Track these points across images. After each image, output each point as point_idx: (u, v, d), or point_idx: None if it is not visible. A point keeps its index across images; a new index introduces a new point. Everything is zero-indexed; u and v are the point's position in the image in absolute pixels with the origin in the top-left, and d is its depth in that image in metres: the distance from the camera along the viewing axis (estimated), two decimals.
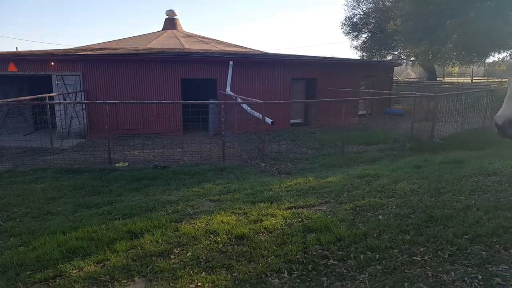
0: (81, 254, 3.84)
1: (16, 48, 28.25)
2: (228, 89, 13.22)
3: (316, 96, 16.19)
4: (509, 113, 2.32)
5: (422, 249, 3.73)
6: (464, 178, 5.98)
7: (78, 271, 3.51)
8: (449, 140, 11.20)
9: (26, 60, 14.98)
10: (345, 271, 3.38)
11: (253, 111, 9.47)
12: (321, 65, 17.20)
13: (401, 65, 34.49)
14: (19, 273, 3.54)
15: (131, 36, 23.56)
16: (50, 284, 3.36)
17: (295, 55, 21.59)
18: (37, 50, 18.43)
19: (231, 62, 14.47)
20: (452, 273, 3.29)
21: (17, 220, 5.19)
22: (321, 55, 19.53)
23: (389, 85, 21.13)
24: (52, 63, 14.70)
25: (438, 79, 34.53)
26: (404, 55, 31.63)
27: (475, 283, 3.12)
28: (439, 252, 3.66)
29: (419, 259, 3.55)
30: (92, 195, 6.64)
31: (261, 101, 9.34)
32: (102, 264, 3.63)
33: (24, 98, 12.24)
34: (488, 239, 3.84)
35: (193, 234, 4.16)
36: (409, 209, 4.73)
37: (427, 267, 3.40)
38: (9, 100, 11.51)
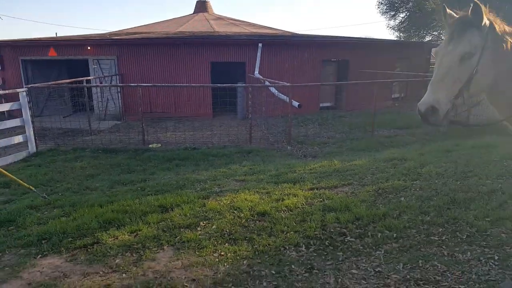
0: (116, 225, 4.18)
1: (56, 33, 29.42)
2: (256, 72, 13.30)
3: (348, 79, 15.87)
4: (431, 100, 2.14)
5: (440, 229, 3.79)
6: (493, 162, 5.87)
7: (114, 239, 3.85)
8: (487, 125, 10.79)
9: (64, 45, 15.69)
10: (361, 247, 3.52)
11: (281, 94, 9.55)
12: (353, 46, 16.74)
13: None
14: (62, 239, 3.93)
15: (163, 19, 23.97)
16: (89, 249, 3.73)
17: (325, 35, 21.20)
18: (75, 35, 19.23)
19: (260, 44, 14.47)
20: (469, 253, 3.35)
21: (60, 194, 5.64)
22: (356, 36, 18.92)
23: (425, 67, 20.40)
24: (89, 48, 15.31)
25: None
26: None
27: (491, 263, 3.18)
28: (458, 233, 3.71)
29: (437, 239, 3.62)
30: (127, 173, 7.06)
31: (288, 84, 9.40)
32: (135, 234, 3.96)
33: (63, 81, 12.96)
34: (510, 222, 3.82)
35: (218, 210, 4.41)
36: (432, 191, 4.75)
37: (443, 247, 3.48)
38: (50, 83, 12.22)
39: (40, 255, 3.66)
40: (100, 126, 12.34)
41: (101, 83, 14.74)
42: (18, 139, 8.50)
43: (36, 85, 11.23)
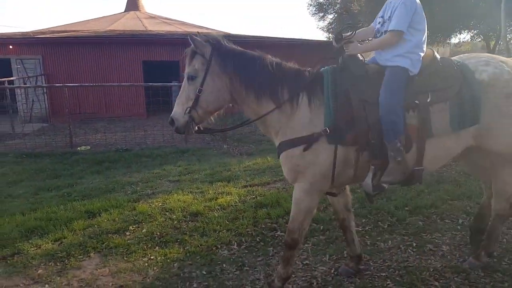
0: (39, 233, 3.94)
1: None
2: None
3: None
4: (172, 114, 2.53)
5: (364, 220, 4.04)
6: None
7: (36, 249, 3.62)
8: None
9: None
10: None
11: None
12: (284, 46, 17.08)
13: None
14: None
15: (93, 18, 22.70)
16: (8, 261, 3.46)
17: (260, 36, 21.49)
18: None
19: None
20: (390, 241, 3.59)
21: None
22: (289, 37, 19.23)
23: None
24: (11, 47, 14.10)
25: None
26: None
27: (409, 250, 3.42)
28: (380, 222, 3.97)
29: (360, 229, 3.84)
30: (53, 178, 6.63)
31: None
32: (59, 242, 3.75)
33: None
34: (426, 210, 4.17)
35: (149, 213, 4.33)
36: (356, 184, 5.04)
37: (366, 236, 3.70)
38: None
39: None
40: (25, 129, 11.42)
41: (25, 83, 13.63)
42: None
43: None
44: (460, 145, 2.58)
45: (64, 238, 3.80)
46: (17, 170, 7.07)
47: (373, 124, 2.41)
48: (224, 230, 3.87)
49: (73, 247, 3.62)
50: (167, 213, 4.32)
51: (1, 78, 12.08)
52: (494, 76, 2.52)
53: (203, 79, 2.46)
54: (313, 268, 3.21)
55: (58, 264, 3.39)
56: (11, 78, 12.99)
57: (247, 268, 3.24)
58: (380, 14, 2.64)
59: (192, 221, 4.12)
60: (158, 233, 3.85)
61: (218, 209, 4.43)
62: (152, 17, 22.61)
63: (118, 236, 3.83)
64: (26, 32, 17.75)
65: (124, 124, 11.86)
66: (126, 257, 3.44)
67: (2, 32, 20.77)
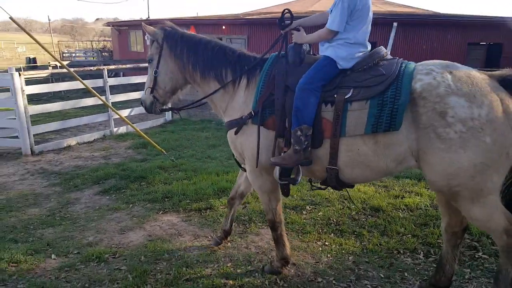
0: (228, 194, 4.34)
1: (197, 13, 31.99)
2: (388, 53, 12.23)
3: (500, 66, 13.52)
4: (141, 95, 2.95)
5: None
6: None
7: (224, 208, 4.00)
8: None
9: (202, 24, 16.94)
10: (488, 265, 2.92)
11: None
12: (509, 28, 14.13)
13: None
14: (181, 200, 4.26)
15: None
16: (202, 213, 3.97)
17: (473, 15, 18.31)
18: (212, 15, 20.60)
19: (394, 24, 13.24)
20: None
21: (185, 159, 6.14)
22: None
23: None
24: (223, 27, 16.24)
25: None
26: None
27: None
28: None
29: None
30: None
31: None
32: (243, 206, 4.04)
33: None
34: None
35: (326, 196, 4.20)
36: None
37: None
38: None
39: (161, 211, 4.04)
40: None
41: None
42: None
43: None
44: (382, 158, 2.18)
45: (248, 203, 4.09)
46: (217, 135, 8.09)
47: (289, 111, 2.36)
48: (410, 235, 3.39)
49: (255, 214, 3.85)
50: (345, 201, 4.10)
51: None
52: (428, 87, 2.05)
53: (157, 62, 2.79)
54: None
55: (240, 226, 3.66)
56: None
57: None
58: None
59: (372, 216, 3.79)
60: (335, 220, 3.69)
61: (403, 209, 3.94)
62: None
63: (295, 212, 3.86)
64: (237, 14, 20.14)
65: None
66: (301, 236, 3.42)
67: (217, 14, 24.17)
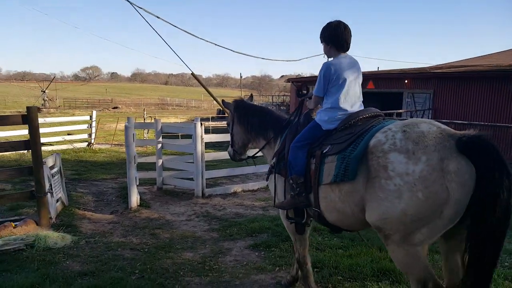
0: (390, 279, 3.49)
1: (378, 68, 31.63)
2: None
3: None
4: (228, 149, 3.95)
5: None
6: None
7: None
8: None
9: (382, 78, 16.31)
10: None
11: None
12: None
13: None
14: (332, 274, 3.64)
15: (492, 52, 20.71)
16: None
17: None
18: (393, 70, 19.73)
19: None
20: None
21: None
22: None
23: None
24: (406, 81, 15.22)
25: None
26: None
27: None
28: None
29: None
30: None
31: None
32: None
33: None
34: None
35: None
36: None
37: None
38: None
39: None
40: None
41: (411, 117, 14.27)
42: None
43: None
44: (346, 204, 2.44)
45: None
46: None
47: None
48: None
49: None
50: None
51: (392, 110, 13.16)
52: (377, 144, 2.28)
53: (232, 125, 3.70)
54: None
55: None
56: (400, 111, 13.91)
57: None
58: None
59: None
60: None
61: None
62: None
63: None
64: (422, 68, 18.68)
65: None
66: None
67: (399, 68, 23.03)
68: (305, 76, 28.50)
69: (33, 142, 5.05)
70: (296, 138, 2.80)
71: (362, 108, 2.76)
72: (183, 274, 3.76)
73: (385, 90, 16.24)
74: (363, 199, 2.30)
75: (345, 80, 2.68)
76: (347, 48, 2.75)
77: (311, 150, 2.68)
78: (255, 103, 3.82)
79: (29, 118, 4.98)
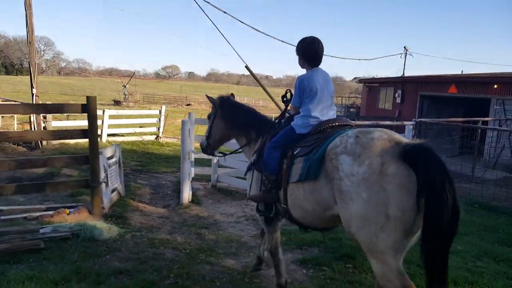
0: None
1: (462, 71, 28.86)
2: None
3: None
4: (201, 140, 4.04)
5: None
6: None
7: None
8: None
9: (466, 82, 14.69)
10: None
11: None
12: None
13: None
14: None
15: None
16: None
17: None
18: (479, 73, 17.66)
19: None
20: None
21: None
22: None
23: None
24: (495, 86, 13.49)
25: None
26: None
27: None
28: None
29: None
30: (504, 245, 5.21)
31: None
32: None
33: (453, 119, 11.96)
34: None
35: None
36: None
37: None
38: (440, 120, 11.62)
39: None
40: (485, 175, 10.40)
41: (500, 126, 12.57)
42: None
43: (424, 120, 10.91)
44: (308, 202, 2.62)
45: None
46: (464, 220, 6.21)
47: None
48: None
49: None
50: None
51: (477, 117, 11.70)
52: (333, 146, 2.47)
53: (213, 120, 3.78)
54: None
55: None
56: (486, 119, 12.34)
57: None
58: None
59: None
60: None
61: None
62: None
63: None
64: None
65: None
66: None
67: (486, 71, 20.61)
68: (379, 77, 26.91)
69: (90, 132, 5.12)
70: (273, 139, 3.04)
71: (335, 116, 3.04)
72: (220, 285, 3.43)
73: (470, 95, 14.58)
74: (325, 199, 2.47)
75: (316, 91, 2.95)
76: (319, 63, 3.03)
77: (285, 151, 2.90)
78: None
79: (88, 107, 5.05)
